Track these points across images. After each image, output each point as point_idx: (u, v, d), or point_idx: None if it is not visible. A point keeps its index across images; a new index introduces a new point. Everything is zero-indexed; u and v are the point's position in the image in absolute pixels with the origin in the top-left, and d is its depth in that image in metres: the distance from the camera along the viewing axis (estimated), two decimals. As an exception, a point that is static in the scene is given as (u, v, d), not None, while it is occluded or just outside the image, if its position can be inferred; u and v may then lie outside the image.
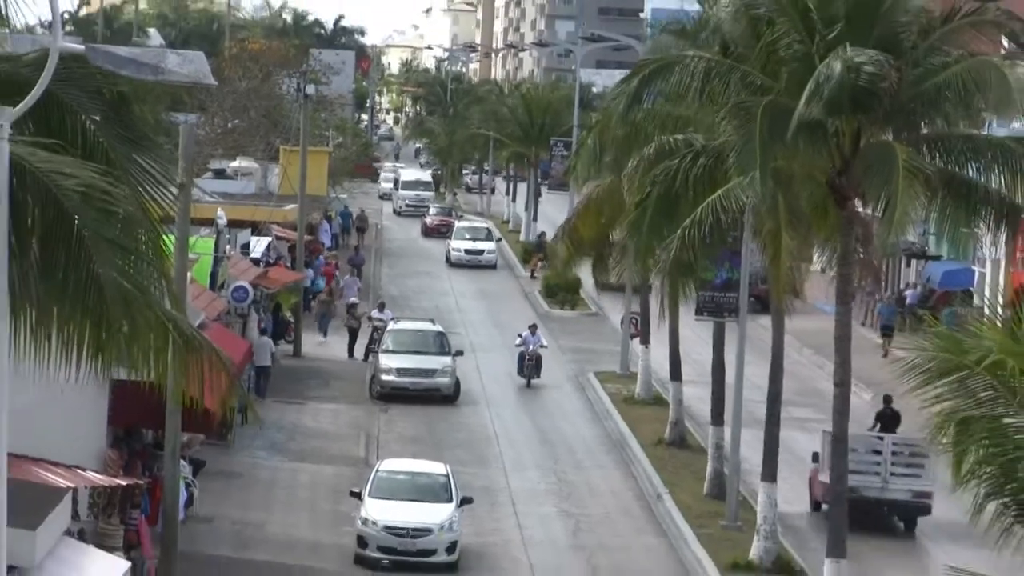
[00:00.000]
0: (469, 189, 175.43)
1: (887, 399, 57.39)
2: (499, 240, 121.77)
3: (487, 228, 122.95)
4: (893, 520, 53.26)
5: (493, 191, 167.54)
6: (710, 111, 48.96)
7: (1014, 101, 41.04)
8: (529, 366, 75.19)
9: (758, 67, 46.14)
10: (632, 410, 71.88)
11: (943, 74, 43.23)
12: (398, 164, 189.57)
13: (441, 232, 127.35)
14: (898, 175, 42.05)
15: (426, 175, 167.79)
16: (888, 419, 57.23)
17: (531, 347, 75.02)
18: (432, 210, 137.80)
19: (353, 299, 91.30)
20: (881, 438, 54.50)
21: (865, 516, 50.60)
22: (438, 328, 78.50)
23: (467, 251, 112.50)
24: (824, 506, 52.38)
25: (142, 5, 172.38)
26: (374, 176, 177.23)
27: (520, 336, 76.39)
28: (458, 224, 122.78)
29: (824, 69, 41.55)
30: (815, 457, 53.33)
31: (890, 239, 43.82)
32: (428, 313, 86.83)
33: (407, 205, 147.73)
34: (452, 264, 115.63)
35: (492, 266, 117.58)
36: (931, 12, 44.73)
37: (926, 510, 52.58)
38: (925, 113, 44.13)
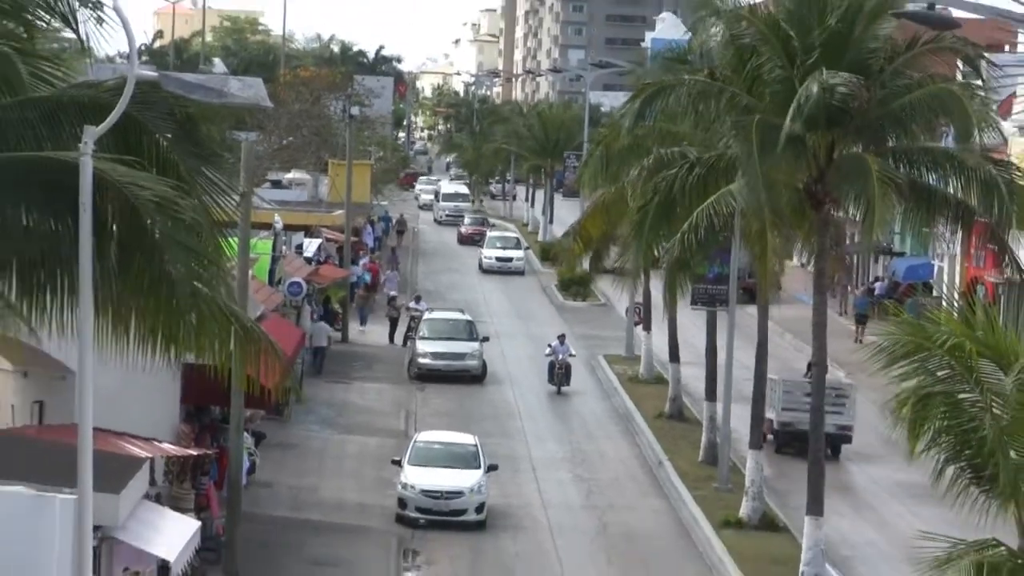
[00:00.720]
0: (493, 196, 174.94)
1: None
2: (527, 248, 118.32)
3: (516, 237, 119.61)
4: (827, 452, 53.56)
5: (514, 198, 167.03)
6: (702, 127, 49.34)
7: (972, 129, 41.31)
8: (559, 374, 69.38)
9: (744, 89, 46.28)
10: (636, 388, 71.94)
11: (908, 97, 43.30)
12: (432, 177, 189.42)
13: (475, 240, 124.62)
14: (874, 184, 42.26)
15: (463, 188, 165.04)
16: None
17: (560, 356, 69.23)
18: (467, 219, 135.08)
19: (393, 292, 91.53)
20: (811, 382, 55.16)
21: (800, 444, 51.90)
22: (467, 317, 78.51)
23: (498, 259, 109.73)
24: (770, 436, 56.28)
25: (208, 38, 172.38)
26: (412, 185, 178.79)
27: (550, 346, 70.31)
28: (489, 234, 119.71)
29: (804, 90, 41.66)
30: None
31: (872, 240, 44.23)
32: (458, 304, 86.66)
33: (447, 215, 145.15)
34: (484, 271, 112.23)
35: (520, 272, 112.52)
36: (896, 40, 44.75)
37: (848, 440, 56.60)
38: (892, 129, 44.22)
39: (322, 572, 44.87)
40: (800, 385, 56.74)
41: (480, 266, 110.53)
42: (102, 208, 20.43)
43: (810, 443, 44.47)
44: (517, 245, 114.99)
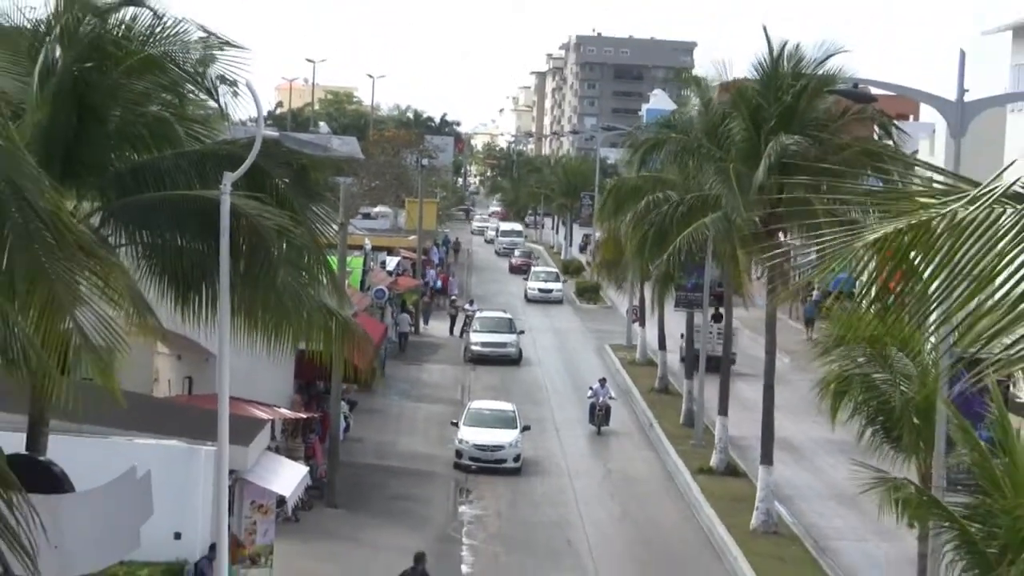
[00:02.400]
0: (527, 225, 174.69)
1: (716, 316, 61.88)
2: (565, 281, 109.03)
3: (556, 272, 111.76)
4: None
5: (543, 227, 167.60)
6: (684, 175, 49.59)
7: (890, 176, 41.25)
8: (599, 415, 56.55)
9: (715, 145, 46.42)
10: (633, 369, 71.85)
11: (842, 155, 43.30)
12: (485, 212, 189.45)
13: (522, 270, 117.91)
14: (820, 219, 42.42)
15: (518, 227, 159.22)
16: (716, 318, 61.92)
17: (601, 399, 56.62)
18: (517, 252, 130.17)
19: (454, 296, 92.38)
20: (712, 326, 58.92)
21: (711, 365, 54.25)
22: (508, 316, 78.53)
23: (540, 290, 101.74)
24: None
25: (315, 107, 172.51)
26: (468, 217, 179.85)
27: (591, 388, 57.65)
28: (534, 268, 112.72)
29: (771, 149, 41.93)
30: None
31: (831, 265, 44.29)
32: (501, 306, 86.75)
33: (504, 248, 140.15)
34: (528, 300, 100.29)
35: (559, 301, 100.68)
36: (832, 112, 44.79)
37: (734, 361, 57.56)
38: (828, 175, 44.07)
39: (399, 505, 44.83)
40: (707, 326, 59.43)
41: (525, 296, 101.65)
42: (236, 233, 20.46)
43: (763, 411, 44.21)
44: (556, 279, 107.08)
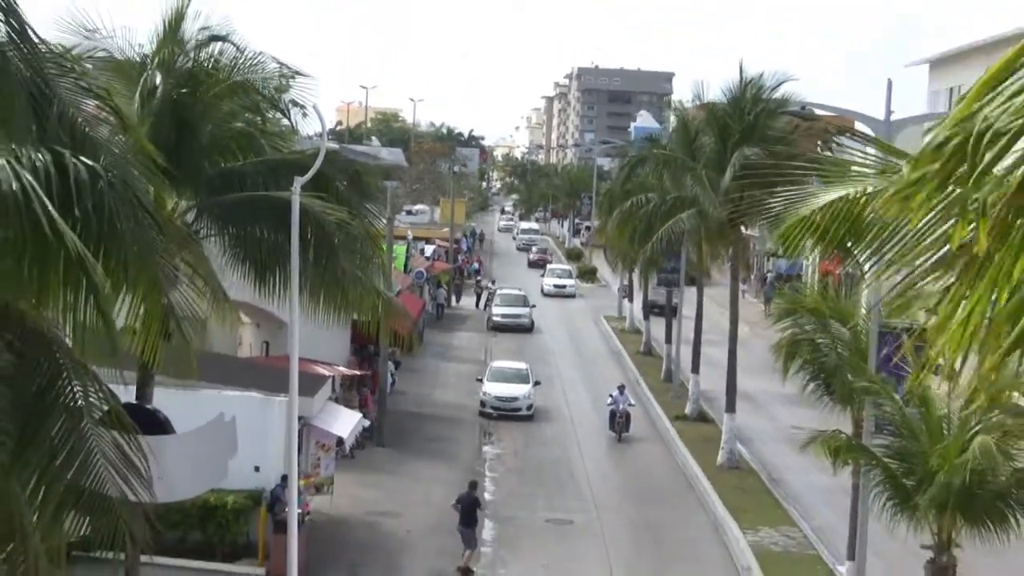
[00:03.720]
0: (537, 220, 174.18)
1: (666, 297, 61.19)
2: (577, 278, 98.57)
3: (569, 270, 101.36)
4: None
5: (550, 221, 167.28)
6: (663, 181, 49.59)
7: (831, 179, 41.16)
8: (620, 423, 47.70)
9: (690, 156, 46.41)
10: (623, 336, 71.77)
11: (794, 162, 43.15)
12: (506, 210, 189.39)
13: (539, 264, 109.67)
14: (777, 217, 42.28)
15: (536, 226, 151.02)
16: (662, 308, 62.69)
17: (621, 406, 47.73)
18: (534, 249, 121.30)
19: (480, 277, 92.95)
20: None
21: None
22: (523, 293, 78.45)
23: (555, 286, 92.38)
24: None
25: (368, 124, 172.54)
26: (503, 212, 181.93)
27: (611, 396, 48.41)
28: (549, 266, 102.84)
29: (736, 159, 42.01)
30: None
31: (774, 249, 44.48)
32: (516, 284, 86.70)
33: (523, 243, 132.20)
34: (545, 294, 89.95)
35: (572, 296, 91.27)
36: (785, 128, 44.67)
37: (675, 310, 57.04)
38: (780, 180, 43.93)
39: (434, 445, 44.87)
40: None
41: (542, 290, 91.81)
42: (304, 226, 20.43)
43: (727, 369, 44.11)
44: (570, 276, 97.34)
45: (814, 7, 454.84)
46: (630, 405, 48.11)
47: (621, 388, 48.90)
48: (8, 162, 9.90)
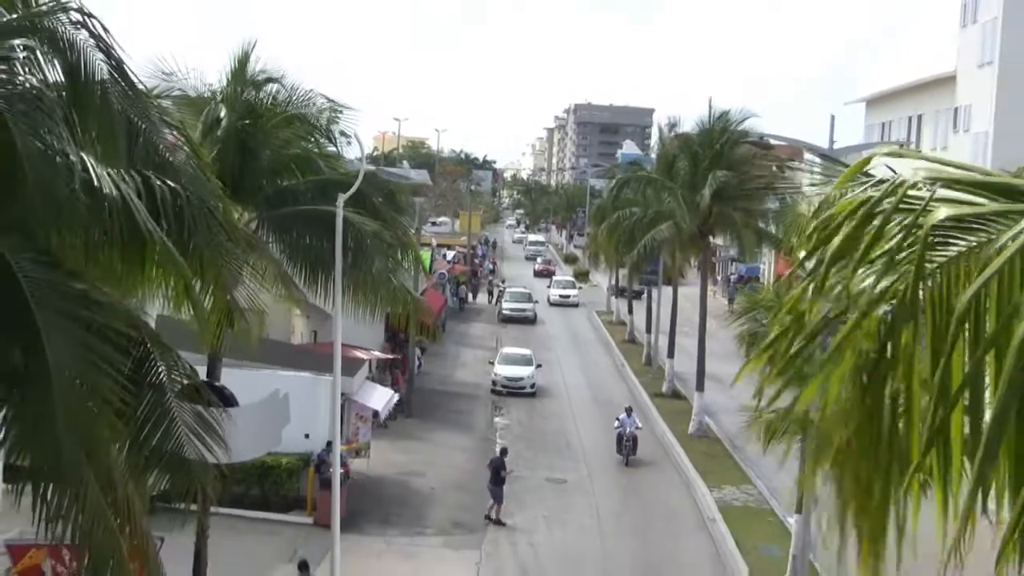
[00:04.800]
0: (538, 231, 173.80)
1: (636, 289, 62.92)
2: (580, 288, 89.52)
3: (573, 280, 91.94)
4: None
5: (550, 232, 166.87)
6: (645, 197, 49.54)
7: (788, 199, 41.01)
8: (627, 447, 39.12)
9: (668, 177, 46.40)
10: (611, 327, 71.64)
11: (753, 184, 43.20)
12: (514, 224, 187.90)
13: (544, 274, 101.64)
14: (740, 229, 42.46)
15: (542, 238, 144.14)
16: (633, 295, 64.51)
17: (628, 429, 39.28)
18: (539, 259, 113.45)
19: (491, 277, 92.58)
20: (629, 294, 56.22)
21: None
22: (528, 291, 78.37)
23: (560, 295, 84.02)
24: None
25: (400, 150, 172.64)
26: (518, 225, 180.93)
27: (618, 419, 39.93)
28: (554, 278, 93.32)
29: (710, 181, 42.12)
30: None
31: (744, 258, 44.50)
32: (522, 283, 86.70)
33: (531, 253, 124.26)
34: (551, 304, 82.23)
35: (575, 305, 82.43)
36: (746, 155, 44.69)
37: (638, 294, 58.29)
38: (744, 198, 43.84)
39: (454, 416, 44.96)
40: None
41: (548, 300, 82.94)
42: (346, 235, 20.49)
43: (698, 355, 44.14)
44: (573, 286, 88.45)
45: (777, 58, 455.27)
46: (637, 428, 39.71)
47: (628, 410, 40.03)
48: (108, 173, 10.05)
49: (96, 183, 9.82)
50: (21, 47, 10.07)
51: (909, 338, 5.44)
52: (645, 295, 59.38)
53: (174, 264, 10.40)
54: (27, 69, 10.05)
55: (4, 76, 9.86)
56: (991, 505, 5.38)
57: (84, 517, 9.16)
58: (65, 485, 9.11)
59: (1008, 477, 5.29)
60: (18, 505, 9.48)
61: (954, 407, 5.16)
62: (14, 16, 10.27)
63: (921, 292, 5.37)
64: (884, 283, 5.49)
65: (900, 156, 5.83)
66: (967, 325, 5.26)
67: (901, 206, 5.43)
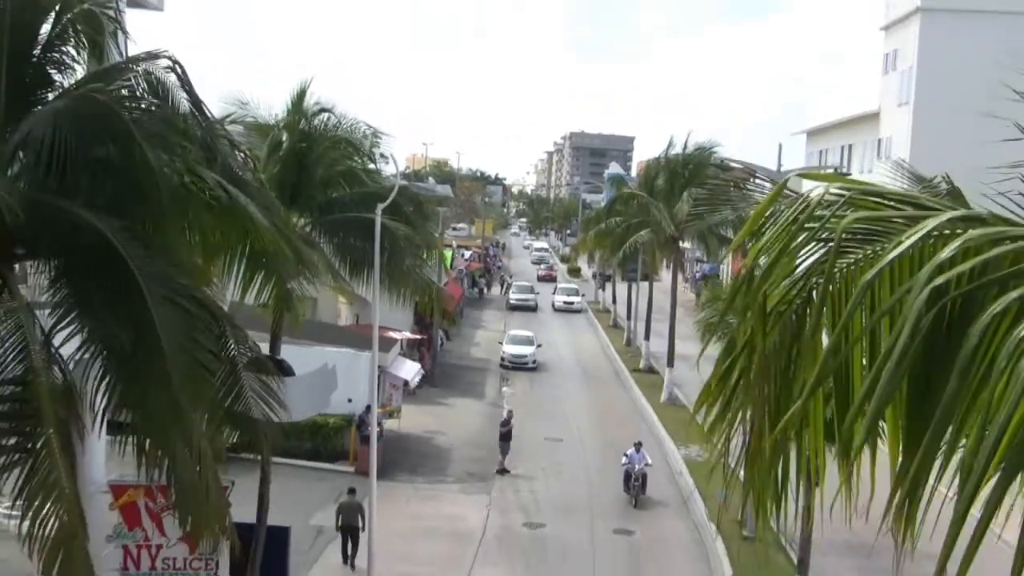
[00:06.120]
0: (537, 237, 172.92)
1: (607, 277, 62.30)
2: (583, 296, 77.39)
3: (576, 288, 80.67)
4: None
5: (549, 236, 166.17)
6: (630, 209, 49.44)
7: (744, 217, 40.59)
8: (635, 487, 28.69)
9: (647, 193, 46.32)
10: (598, 315, 71.61)
11: (723, 212, 42.85)
12: (518, 231, 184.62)
13: (547, 279, 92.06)
14: (707, 235, 42.38)
15: (546, 245, 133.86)
16: (604, 279, 63.52)
17: (637, 466, 28.63)
18: (543, 265, 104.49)
19: (501, 272, 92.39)
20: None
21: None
22: (531, 284, 78.48)
23: (564, 302, 74.23)
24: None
25: (427, 169, 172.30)
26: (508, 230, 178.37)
27: (626, 456, 29.25)
28: (559, 285, 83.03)
29: (687, 195, 41.85)
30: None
31: (708, 258, 44.24)
32: (526, 278, 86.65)
33: (536, 258, 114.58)
34: (556, 310, 73.00)
35: (579, 311, 72.95)
36: (710, 175, 44.58)
37: (609, 277, 56.88)
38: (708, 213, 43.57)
39: (470, 386, 44.97)
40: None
41: (553, 306, 73.78)
42: (383, 237, 20.52)
43: (669, 338, 44.07)
44: (576, 293, 76.11)
45: (737, 96, 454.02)
46: (647, 465, 29.23)
47: (638, 446, 29.70)
48: (219, 181, 10.27)
49: (226, 196, 10.05)
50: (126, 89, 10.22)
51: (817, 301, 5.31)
52: (625, 285, 59.09)
53: (278, 244, 10.63)
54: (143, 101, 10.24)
55: (134, 104, 10.00)
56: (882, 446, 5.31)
57: (172, 464, 9.30)
58: (158, 438, 9.25)
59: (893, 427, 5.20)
60: (122, 454, 9.63)
61: (841, 361, 4.96)
62: (120, 61, 10.48)
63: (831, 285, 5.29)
64: (805, 264, 5.43)
65: (818, 179, 5.82)
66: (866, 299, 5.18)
67: (816, 214, 5.42)
